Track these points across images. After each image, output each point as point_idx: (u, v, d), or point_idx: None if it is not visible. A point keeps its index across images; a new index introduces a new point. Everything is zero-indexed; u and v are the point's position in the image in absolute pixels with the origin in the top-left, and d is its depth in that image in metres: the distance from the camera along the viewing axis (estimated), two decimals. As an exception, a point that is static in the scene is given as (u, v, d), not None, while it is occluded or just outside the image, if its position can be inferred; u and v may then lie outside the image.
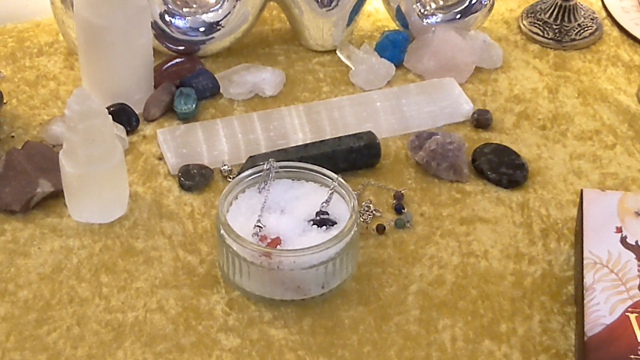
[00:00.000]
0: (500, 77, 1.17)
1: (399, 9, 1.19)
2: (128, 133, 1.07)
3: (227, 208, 0.91)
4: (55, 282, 0.92)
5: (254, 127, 1.06)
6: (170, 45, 1.15)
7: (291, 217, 0.91)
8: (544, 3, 1.25)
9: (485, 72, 1.17)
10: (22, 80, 1.15)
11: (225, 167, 1.03)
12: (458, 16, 1.19)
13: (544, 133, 1.09)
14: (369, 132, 1.04)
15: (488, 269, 0.94)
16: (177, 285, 0.92)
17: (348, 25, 1.18)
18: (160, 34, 1.14)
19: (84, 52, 1.07)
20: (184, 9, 1.15)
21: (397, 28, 1.21)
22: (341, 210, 0.92)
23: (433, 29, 1.17)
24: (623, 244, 0.89)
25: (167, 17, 1.14)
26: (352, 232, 0.89)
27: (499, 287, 0.92)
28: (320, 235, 0.89)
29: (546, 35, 1.22)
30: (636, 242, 0.89)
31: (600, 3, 1.29)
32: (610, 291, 0.85)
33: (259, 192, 0.93)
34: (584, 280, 0.86)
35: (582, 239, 0.90)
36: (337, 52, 1.19)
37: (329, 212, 0.92)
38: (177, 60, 1.14)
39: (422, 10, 1.19)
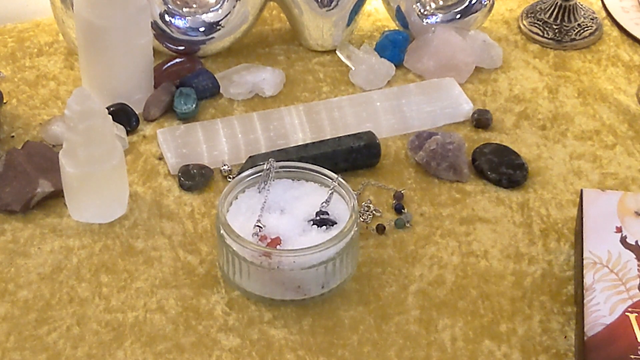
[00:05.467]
0: (500, 77, 1.17)
1: (399, 9, 1.19)
2: (128, 133, 1.07)
3: (227, 208, 0.91)
4: (55, 282, 0.92)
5: (254, 127, 1.06)
6: (170, 45, 1.15)
7: (291, 217, 0.91)
8: (544, 3, 1.25)
9: (485, 72, 1.17)
10: (22, 80, 1.15)
11: (225, 167, 1.03)
12: (458, 16, 1.19)
13: (544, 133, 1.09)
14: (369, 132, 1.04)
15: (488, 269, 0.94)
16: (177, 285, 0.92)
17: (348, 25, 1.18)
18: (160, 34, 1.14)
19: (84, 52, 1.07)
20: (184, 9, 1.15)
21: (397, 28, 1.21)
22: (341, 210, 0.92)
23: (433, 29, 1.17)
24: (623, 244, 0.89)
25: (167, 17, 1.14)
26: (352, 232, 0.89)
27: (499, 287, 0.92)
28: (320, 235, 0.89)
29: (546, 35, 1.22)
30: (636, 242, 0.89)
31: (600, 3, 1.29)
32: (610, 291, 0.85)
33: (259, 192, 0.93)
34: (584, 280, 0.86)
35: (582, 239, 0.90)
36: (337, 52, 1.19)
37: (329, 212, 0.92)
38: (177, 60, 1.14)
39: (422, 10, 1.19)
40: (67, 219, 0.98)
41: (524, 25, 1.24)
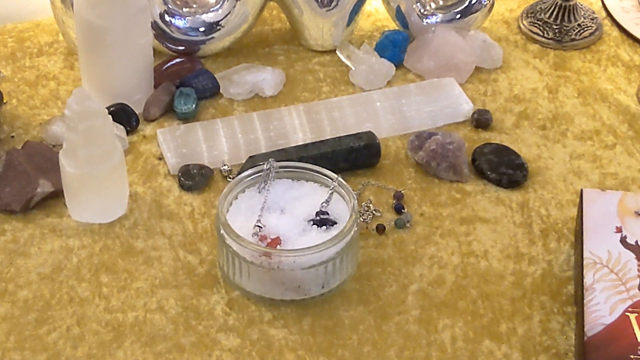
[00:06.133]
0: (500, 77, 1.17)
1: (399, 9, 1.19)
2: (128, 133, 1.07)
3: (227, 208, 0.91)
4: (55, 282, 0.92)
5: (254, 127, 1.06)
6: (170, 45, 1.15)
7: (291, 217, 0.91)
8: (544, 3, 1.25)
9: (485, 72, 1.17)
10: (22, 80, 1.15)
11: (225, 167, 1.03)
12: (458, 16, 1.19)
13: (544, 133, 1.09)
14: (369, 132, 1.04)
15: (488, 269, 0.94)
16: (177, 285, 0.92)
17: (348, 25, 1.18)
18: (160, 34, 1.14)
19: (84, 52, 1.07)
20: (184, 9, 1.15)
21: (397, 28, 1.21)
22: (341, 210, 0.92)
23: (433, 29, 1.17)
24: (623, 244, 0.89)
25: (167, 17, 1.14)
26: (352, 232, 0.89)
27: (499, 287, 0.92)
28: (320, 235, 0.89)
29: (546, 35, 1.22)
30: (636, 242, 0.89)
31: (600, 3, 1.29)
32: (610, 291, 0.85)
33: (259, 192, 0.93)
34: (584, 280, 0.86)
35: (582, 239, 0.90)
36: (337, 52, 1.19)
37: (329, 212, 0.92)
38: (177, 60, 1.14)
39: (422, 10, 1.19)
40: (67, 219, 0.98)
41: (524, 25, 1.24)
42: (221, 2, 1.15)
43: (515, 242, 0.96)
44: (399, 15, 1.19)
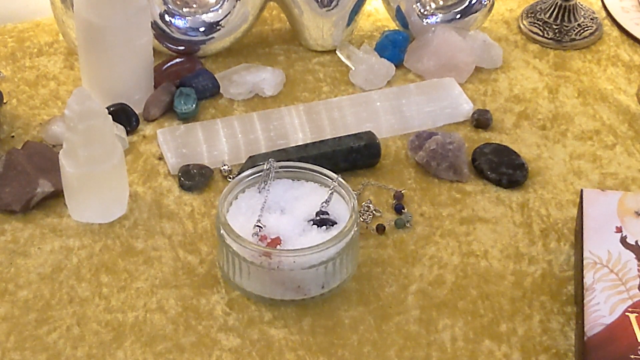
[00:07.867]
0: (500, 77, 1.17)
1: (399, 9, 1.19)
2: (128, 133, 1.07)
3: (227, 208, 0.91)
4: (55, 282, 0.92)
5: (254, 127, 1.06)
6: (170, 45, 1.15)
7: (291, 217, 0.91)
8: (544, 3, 1.25)
9: (485, 72, 1.17)
10: (22, 80, 1.15)
11: (225, 167, 1.03)
12: (458, 16, 1.19)
13: (544, 133, 1.09)
14: (369, 132, 1.04)
15: (488, 269, 0.94)
16: (177, 285, 0.92)
17: (348, 25, 1.18)
18: (160, 34, 1.14)
19: (84, 52, 1.07)
20: (184, 9, 1.15)
21: (397, 28, 1.21)
22: (341, 210, 0.92)
23: (433, 29, 1.17)
24: (623, 244, 0.89)
25: (167, 17, 1.14)
26: (352, 232, 0.89)
27: (499, 287, 0.92)
28: (320, 235, 0.89)
29: (546, 35, 1.22)
30: (636, 242, 0.89)
31: (600, 3, 1.29)
32: (610, 291, 0.85)
33: (259, 192, 0.93)
34: (584, 280, 0.86)
35: (582, 239, 0.90)
36: (337, 52, 1.19)
37: (329, 212, 0.92)
38: (177, 60, 1.14)
39: (422, 10, 1.19)
40: (67, 219, 0.98)
41: (524, 25, 1.24)
42: (221, 2, 1.15)
43: (515, 242, 0.97)
44: (399, 15, 1.19)
